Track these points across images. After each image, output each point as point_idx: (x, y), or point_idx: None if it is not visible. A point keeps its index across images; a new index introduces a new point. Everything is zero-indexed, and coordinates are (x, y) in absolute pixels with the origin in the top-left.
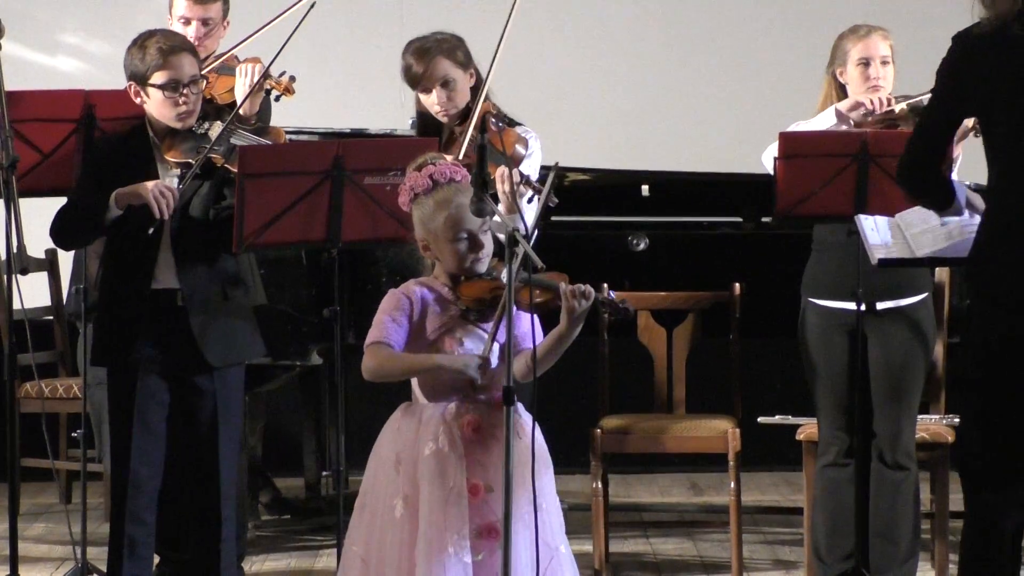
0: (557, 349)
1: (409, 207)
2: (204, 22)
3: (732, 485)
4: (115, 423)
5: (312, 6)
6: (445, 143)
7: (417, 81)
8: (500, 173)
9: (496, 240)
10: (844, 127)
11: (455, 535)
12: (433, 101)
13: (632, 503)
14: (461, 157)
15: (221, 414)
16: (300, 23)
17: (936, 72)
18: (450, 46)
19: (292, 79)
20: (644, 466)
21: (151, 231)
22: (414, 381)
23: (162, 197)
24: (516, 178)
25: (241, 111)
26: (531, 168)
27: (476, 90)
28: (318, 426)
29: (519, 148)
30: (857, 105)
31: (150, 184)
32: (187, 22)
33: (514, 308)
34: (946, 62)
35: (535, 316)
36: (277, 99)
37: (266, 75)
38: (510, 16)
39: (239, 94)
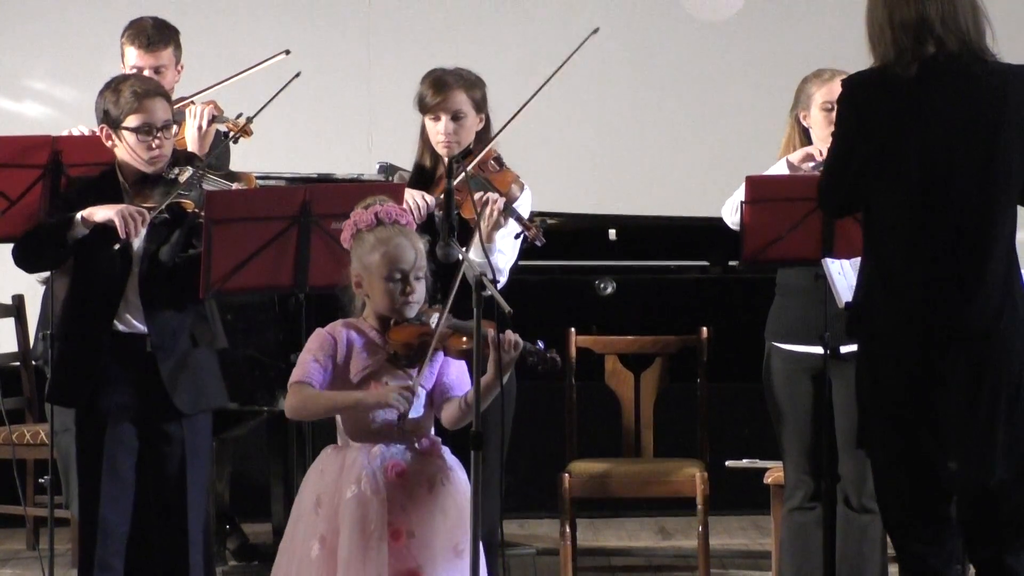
0: (483, 399)
1: (350, 243)
2: (156, 70)
3: (700, 529)
4: (84, 470)
5: (297, 75)
6: (436, 181)
7: (428, 107)
8: (484, 198)
9: (431, 290)
10: None
11: None
12: (439, 130)
13: (600, 547)
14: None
15: (190, 460)
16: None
17: (835, 113)
18: (469, 83)
19: (249, 120)
20: (612, 510)
21: (116, 247)
22: (340, 423)
23: (131, 218)
24: (499, 206)
25: (194, 151)
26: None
27: (482, 135)
28: (286, 471)
29: (515, 189)
30: (808, 156)
31: (119, 205)
32: (140, 71)
33: (440, 354)
34: (839, 102)
35: (462, 363)
36: (235, 141)
37: (216, 118)
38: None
39: (189, 137)
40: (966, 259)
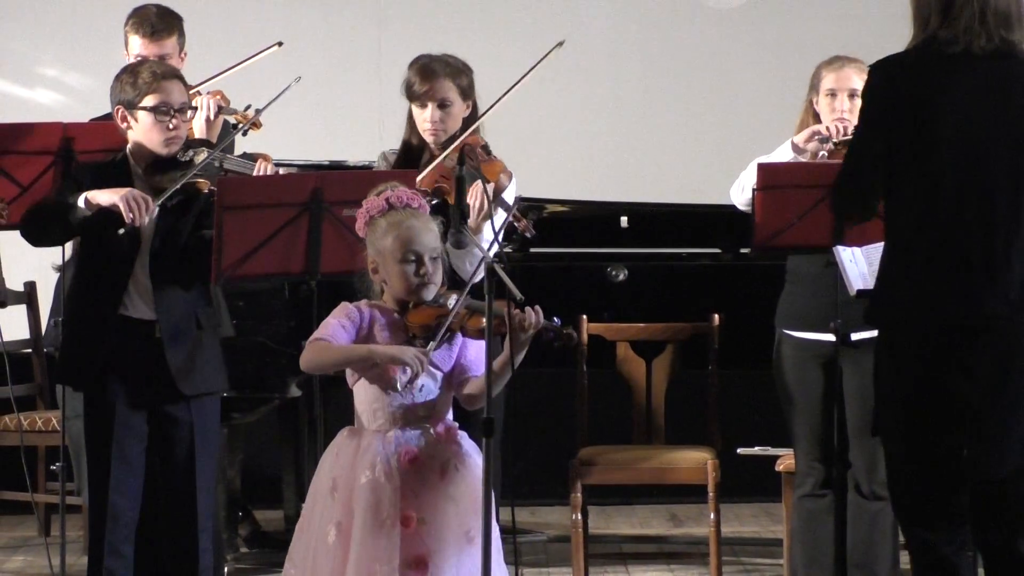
0: (501, 378)
1: (364, 231)
2: (160, 59)
3: (712, 516)
4: (93, 455)
5: (297, 80)
6: (422, 166)
7: (416, 95)
8: (475, 188)
9: (447, 272)
10: (802, 159)
11: (384, 566)
12: (426, 118)
13: (611, 534)
14: (425, 176)
15: (199, 444)
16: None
17: (861, 98)
18: (456, 70)
19: (258, 112)
20: (623, 497)
21: (121, 231)
22: (358, 405)
23: (135, 203)
24: (489, 195)
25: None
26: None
27: (469, 121)
28: (297, 458)
29: (503, 178)
30: (813, 135)
31: (124, 189)
32: (143, 60)
33: (459, 335)
34: (867, 88)
35: (481, 343)
36: (245, 133)
37: (223, 108)
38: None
39: (196, 127)
40: (993, 244)
